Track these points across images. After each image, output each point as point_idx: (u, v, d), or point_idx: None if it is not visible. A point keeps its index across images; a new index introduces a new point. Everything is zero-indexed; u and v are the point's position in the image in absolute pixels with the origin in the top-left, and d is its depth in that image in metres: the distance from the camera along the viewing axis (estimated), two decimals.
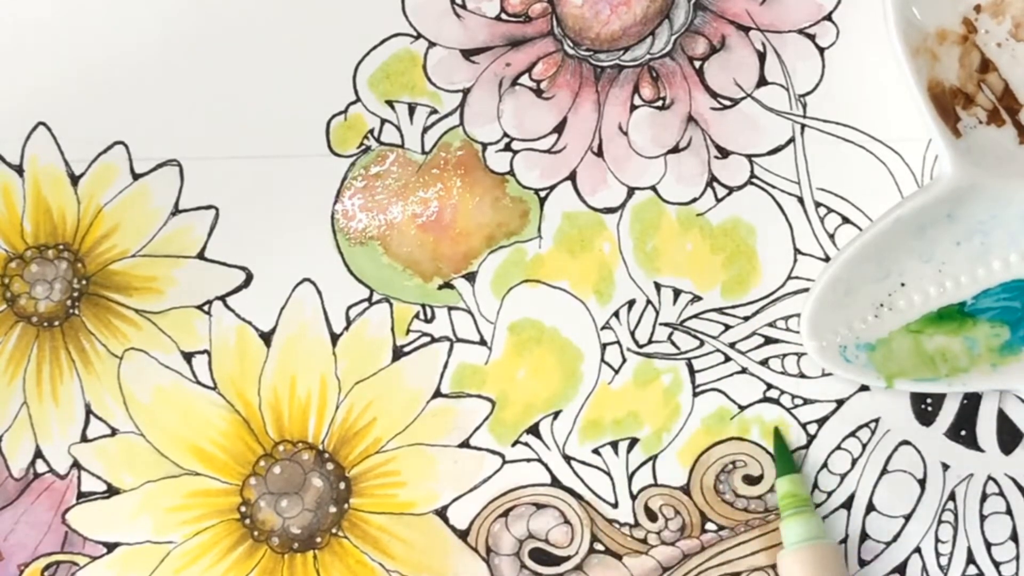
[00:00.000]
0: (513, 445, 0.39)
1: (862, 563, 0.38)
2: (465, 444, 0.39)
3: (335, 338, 0.39)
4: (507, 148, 0.39)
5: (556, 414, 0.38)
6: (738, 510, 0.38)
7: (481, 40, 0.39)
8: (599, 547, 0.38)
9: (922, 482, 0.38)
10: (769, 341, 0.39)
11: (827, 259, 0.38)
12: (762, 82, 0.39)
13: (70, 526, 0.39)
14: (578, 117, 0.39)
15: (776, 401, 0.38)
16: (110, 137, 0.39)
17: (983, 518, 0.38)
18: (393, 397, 0.39)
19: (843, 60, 0.39)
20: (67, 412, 0.39)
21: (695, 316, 0.39)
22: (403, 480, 0.38)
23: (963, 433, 0.38)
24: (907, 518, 0.38)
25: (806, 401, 0.38)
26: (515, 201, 0.39)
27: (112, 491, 0.39)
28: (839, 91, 0.39)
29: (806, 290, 0.38)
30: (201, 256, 0.39)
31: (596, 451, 0.38)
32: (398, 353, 0.39)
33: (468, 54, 0.39)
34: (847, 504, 0.38)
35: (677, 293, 0.39)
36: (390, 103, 0.39)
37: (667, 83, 0.39)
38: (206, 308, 0.39)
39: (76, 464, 0.39)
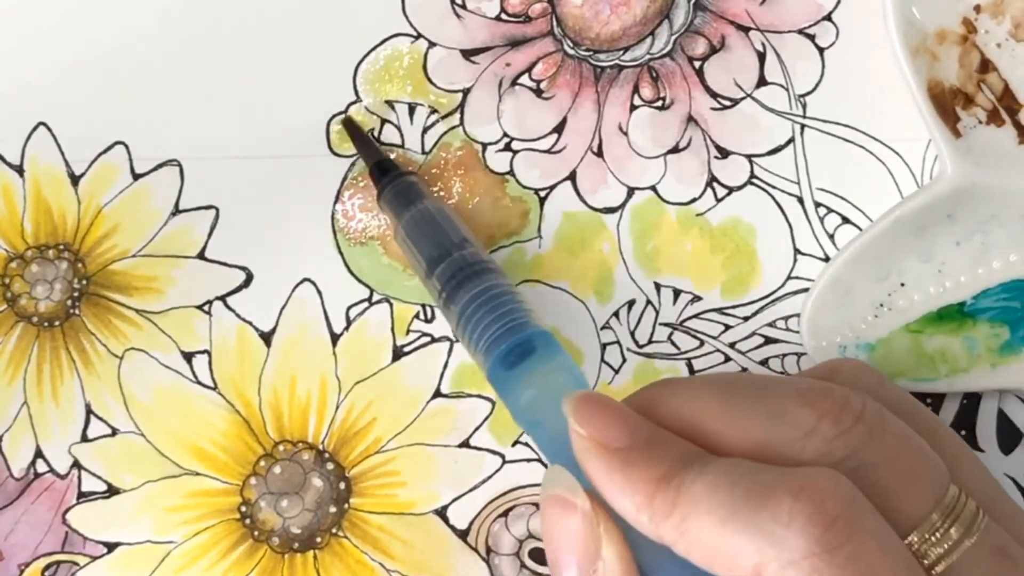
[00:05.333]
0: (513, 445, 0.39)
1: None
2: (465, 444, 0.39)
3: (335, 338, 0.39)
4: (507, 148, 0.39)
5: None
6: None
7: (481, 40, 0.39)
8: None
9: None
10: (769, 341, 0.39)
11: (827, 259, 0.38)
12: (762, 82, 0.39)
13: (70, 526, 0.39)
14: (578, 117, 0.39)
15: None
16: (110, 137, 0.39)
17: None
18: (393, 397, 0.39)
19: (843, 60, 0.39)
20: (67, 412, 0.39)
21: (695, 316, 0.39)
22: (403, 480, 0.38)
23: (963, 433, 0.38)
24: None
25: None
26: (515, 201, 0.39)
27: (112, 491, 0.39)
28: (839, 91, 0.39)
29: (806, 290, 0.38)
30: (201, 256, 0.39)
31: None
32: (398, 353, 0.39)
33: (468, 54, 0.39)
34: None
35: (677, 293, 0.39)
36: (390, 103, 0.39)
37: (667, 83, 0.39)
38: (206, 308, 0.39)
39: (76, 464, 0.39)
